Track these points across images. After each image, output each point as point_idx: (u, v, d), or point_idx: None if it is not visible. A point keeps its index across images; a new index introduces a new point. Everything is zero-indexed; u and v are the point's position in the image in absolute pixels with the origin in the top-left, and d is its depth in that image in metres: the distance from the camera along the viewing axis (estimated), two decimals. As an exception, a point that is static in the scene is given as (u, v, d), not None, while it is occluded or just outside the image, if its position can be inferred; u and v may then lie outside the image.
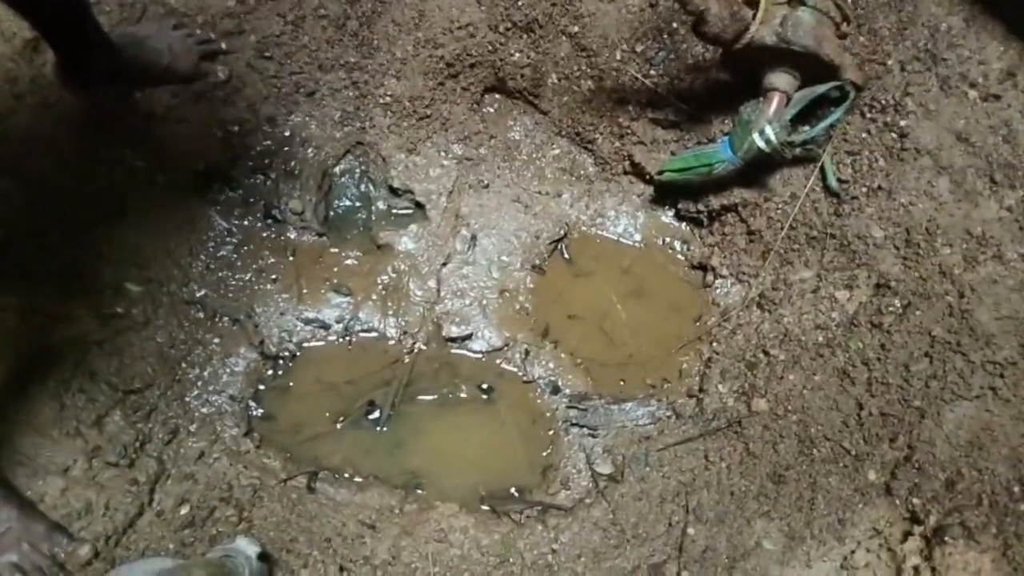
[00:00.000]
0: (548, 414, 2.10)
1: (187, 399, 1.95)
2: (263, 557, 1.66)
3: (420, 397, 2.09)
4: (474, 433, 2.07)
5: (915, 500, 1.76)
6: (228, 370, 2.00)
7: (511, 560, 1.86)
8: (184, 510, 1.81)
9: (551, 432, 2.08)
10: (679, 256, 2.32)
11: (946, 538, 1.67)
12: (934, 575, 1.66)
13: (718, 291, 2.24)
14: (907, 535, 1.75)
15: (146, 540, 1.76)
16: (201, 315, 2.03)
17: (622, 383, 2.15)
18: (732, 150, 1.99)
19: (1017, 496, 1.66)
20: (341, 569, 1.79)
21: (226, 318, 2.05)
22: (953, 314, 1.89)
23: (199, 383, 1.97)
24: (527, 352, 2.16)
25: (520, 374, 2.13)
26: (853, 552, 1.76)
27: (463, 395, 2.11)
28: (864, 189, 2.06)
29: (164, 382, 1.94)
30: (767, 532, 1.83)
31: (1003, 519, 1.67)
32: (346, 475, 1.98)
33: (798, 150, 2.02)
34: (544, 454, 2.06)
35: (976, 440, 1.76)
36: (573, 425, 2.08)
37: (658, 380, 2.15)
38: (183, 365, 1.97)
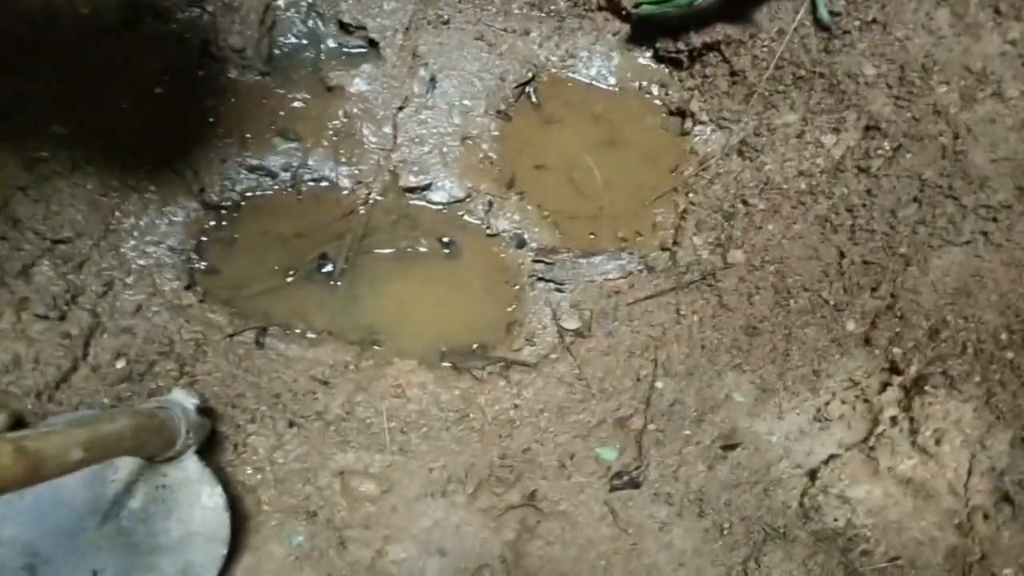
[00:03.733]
0: (513, 269, 1.98)
1: (122, 250, 1.81)
2: (203, 411, 1.57)
3: (377, 251, 1.96)
4: (434, 288, 1.96)
5: (895, 350, 1.67)
6: (166, 220, 1.86)
7: (471, 415, 1.78)
8: (121, 364, 1.70)
9: (516, 287, 1.97)
10: (656, 101, 2.15)
11: (927, 387, 1.59)
12: (912, 425, 1.59)
13: (697, 139, 2.09)
14: (885, 386, 1.67)
15: (80, 395, 1.66)
16: (135, 161, 1.86)
17: (592, 236, 2.03)
18: (715, -25, 1.80)
19: (1004, 343, 1.58)
20: (291, 424, 1.70)
21: (162, 165, 1.88)
22: (946, 156, 1.77)
23: (135, 233, 1.83)
24: (491, 204, 2.02)
25: (483, 227, 2.00)
26: (828, 403, 1.69)
27: (423, 249, 1.98)
28: (857, 23, 1.89)
29: (96, 231, 1.79)
30: (738, 385, 1.75)
31: (988, 367, 1.58)
32: (297, 331, 1.87)
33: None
34: (508, 310, 1.96)
35: (964, 287, 1.66)
36: (539, 280, 1.97)
37: (630, 233, 2.03)
38: (116, 214, 1.82)
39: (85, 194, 1.81)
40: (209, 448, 1.61)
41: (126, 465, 1.51)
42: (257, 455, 1.66)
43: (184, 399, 1.51)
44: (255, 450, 1.66)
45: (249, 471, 1.65)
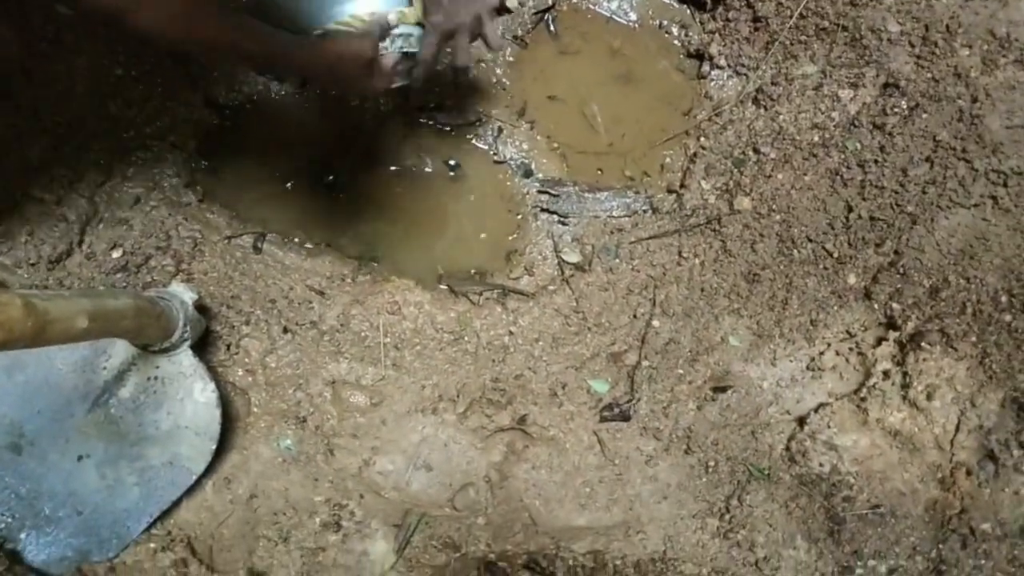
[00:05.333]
0: (517, 197, 1.96)
1: (123, 139, 1.76)
2: (200, 308, 1.55)
3: (381, 167, 1.93)
4: (437, 210, 1.94)
5: (895, 305, 1.68)
6: (170, 114, 1.81)
7: (466, 338, 1.77)
8: (116, 254, 1.67)
9: (519, 216, 1.95)
10: (675, 42, 2.12)
11: (923, 344, 1.60)
12: (904, 379, 1.61)
13: (713, 83, 2.06)
14: (881, 340, 1.68)
15: (75, 280, 1.63)
16: (140, 52, 1.80)
17: (599, 172, 2.01)
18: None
19: (1003, 306, 1.59)
20: (285, 330, 1.69)
21: (167, 59, 1.83)
22: (962, 119, 1.76)
23: (136, 123, 1.78)
24: (500, 130, 1.99)
25: (491, 153, 1.98)
26: (822, 353, 1.70)
27: (428, 169, 1.96)
28: (887, -25, 1.86)
29: (95, 119, 1.74)
30: (735, 329, 1.76)
31: (985, 328, 1.60)
32: (296, 239, 1.85)
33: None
34: (510, 238, 1.94)
35: (968, 249, 1.67)
36: (543, 211, 1.95)
37: (638, 172, 2.01)
38: (119, 102, 1.77)
39: (87, 81, 1.75)
40: (202, 346, 1.60)
41: (119, 353, 1.49)
42: (250, 357, 1.65)
43: (182, 293, 1.49)
44: (248, 352, 1.65)
45: (241, 372, 1.64)
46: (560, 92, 2.06)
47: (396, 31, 1.38)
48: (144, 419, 1.48)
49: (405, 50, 1.40)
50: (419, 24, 1.42)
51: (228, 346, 1.64)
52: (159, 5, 1.19)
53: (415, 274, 1.87)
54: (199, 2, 1.22)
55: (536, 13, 2.07)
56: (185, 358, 1.49)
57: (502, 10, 1.44)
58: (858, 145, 1.83)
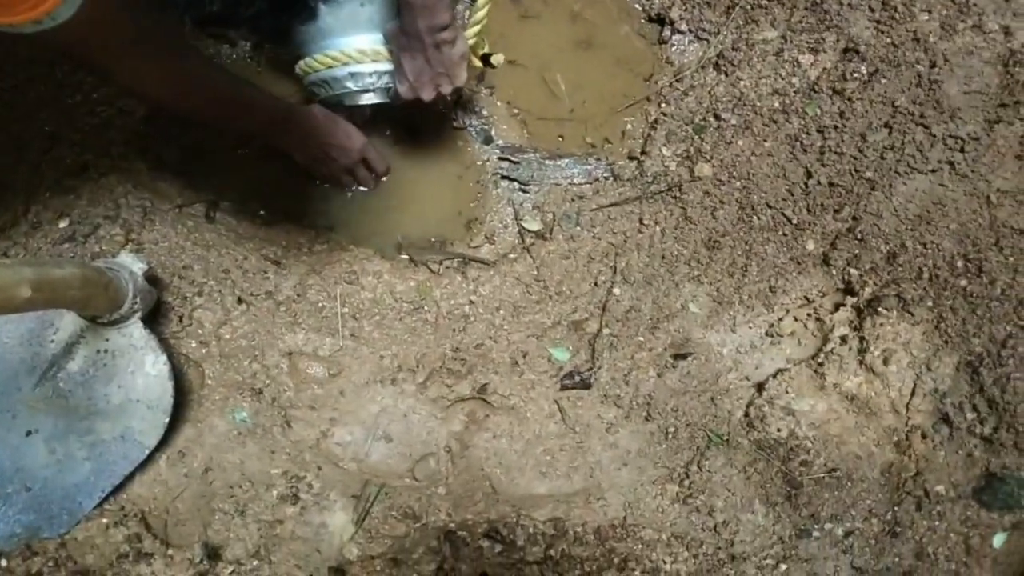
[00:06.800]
0: (477, 164, 1.94)
1: (69, 104, 1.70)
2: (150, 279, 1.51)
3: (338, 133, 1.89)
4: (394, 177, 1.90)
5: (852, 271, 1.69)
6: (117, 79, 1.75)
7: (426, 308, 1.75)
8: (63, 224, 1.62)
9: (479, 184, 1.93)
10: (636, 6, 2.09)
11: (880, 309, 1.61)
12: (862, 344, 1.62)
13: (674, 48, 2.04)
14: (838, 306, 1.69)
15: (20, 250, 1.58)
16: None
17: (560, 139, 1.99)
18: None
19: (959, 271, 1.60)
20: (240, 300, 1.65)
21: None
22: (921, 84, 1.76)
23: (83, 88, 1.72)
24: (459, 95, 1.95)
25: (451, 119, 1.94)
26: (781, 319, 1.70)
27: (386, 134, 1.92)
28: (845, -60, 1.85)
29: (41, 83, 1.68)
30: (695, 296, 1.76)
31: (941, 293, 1.61)
32: (250, 208, 1.81)
33: None
34: (470, 206, 1.92)
35: (925, 214, 1.67)
36: (503, 178, 1.93)
37: (599, 139, 1.99)
38: (64, 67, 1.70)
39: (29, 44, 1.68)
40: (153, 318, 1.56)
41: (66, 326, 1.45)
42: (203, 329, 1.61)
43: (132, 263, 1.44)
44: (201, 323, 1.61)
45: (194, 344, 1.60)
46: (520, 57, 2.02)
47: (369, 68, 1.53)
48: (94, 393, 1.45)
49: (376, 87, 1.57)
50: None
51: (180, 317, 1.60)
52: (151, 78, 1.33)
53: (374, 243, 1.84)
54: (196, 77, 1.29)
55: (495, -24, 2.03)
56: (135, 330, 1.45)
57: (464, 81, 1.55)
58: (818, 111, 1.83)
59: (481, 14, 1.55)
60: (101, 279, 1.32)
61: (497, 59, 1.65)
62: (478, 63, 1.68)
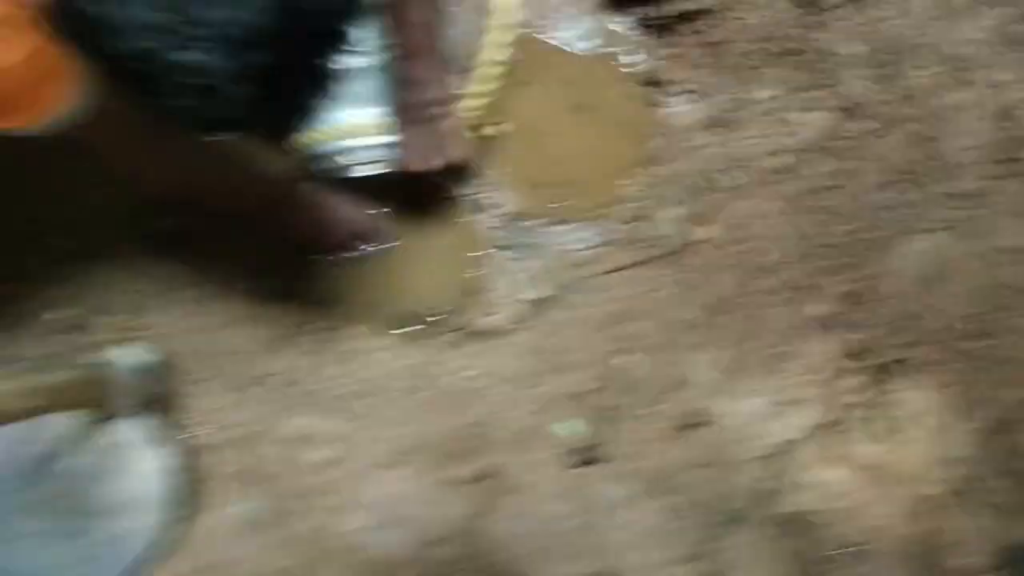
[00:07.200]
0: (474, 234, 1.91)
1: (58, 186, 1.68)
2: (150, 368, 1.47)
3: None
4: (390, 250, 1.87)
5: (859, 336, 1.67)
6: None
7: (423, 386, 1.72)
8: (51, 316, 1.59)
9: (476, 253, 1.90)
10: (629, 69, 2.09)
11: (890, 375, 1.59)
12: (872, 412, 1.59)
13: (669, 110, 2.04)
14: (848, 372, 1.66)
15: (6, 349, 1.54)
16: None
17: (557, 205, 1.96)
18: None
19: (971, 333, 1.58)
20: (236, 387, 1.63)
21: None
22: (917, 143, 1.76)
23: (74, 170, 1.69)
24: (457, 166, 1.93)
25: (446, 188, 1.92)
26: (789, 387, 1.67)
27: (382, 206, 1.89)
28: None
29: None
30: (701, 364, 1.73)
31: (952, 357, 1.59)
32: (245, 288, 1.77)
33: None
34: (466, 276, 1.88)
35: (930, 275, 1.66)
36: (501, 247, 1.90)
37: (597, 203, 1.97)
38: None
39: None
40: (150, 409, 1.52)
41: (58, 424, 1.41)
42: (199, 418, 1.57)
43: (128, 355, 1.41)
44: (197, 412, 1.57)
45: (190, 434, 1.56)
46: (515, 123, 2.01)
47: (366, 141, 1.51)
48: (87, 493, 1.40)
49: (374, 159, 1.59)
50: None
51: (177, 407, 1.56)
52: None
53: (369, 319, 1.81)
54: (185, 163, 1.31)
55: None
56: (132, 426, 1.41)
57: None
58: (815, 171, 1.82)
59: (482, 87, 1.55)
60: (93, 378, 1.28)
61: (493, 129, 1.64)
62: (477, 134, 1.67)
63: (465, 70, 1.63)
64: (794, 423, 1.66)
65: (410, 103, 1.47)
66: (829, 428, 1.63)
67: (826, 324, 1.70)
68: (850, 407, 1.62)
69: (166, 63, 0.82)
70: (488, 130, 1.65)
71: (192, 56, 0.81)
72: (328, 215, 1.70)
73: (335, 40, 0.94)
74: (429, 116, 1.49)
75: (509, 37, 1.56)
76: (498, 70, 1.57)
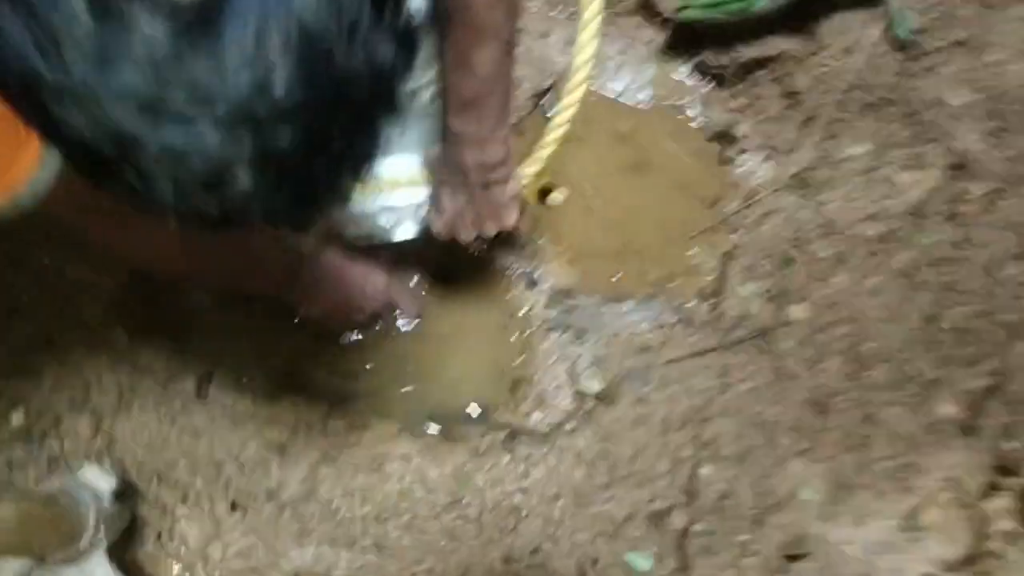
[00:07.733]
0: (521, 313, 1.64)
1: (31, 266, 1.42)
2: (121, 494, 1.18)
3: (355, 283, 1.60)
4: (424, 331, 1.62)
5: (1005, 444, 1.35)
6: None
7: (466, 499, 1.42)
8: (16, 417, 1.30)
9: (524, 336, 1.63)
10: (694, 123, 1.84)
11: (1056, 496, 1.27)
12: (1037, 544, 1.26)
13: (741, 168, 1.79)
14: (994, 488, 1.35)
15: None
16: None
17: (616, 278, 1.70)
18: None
19: None
20: (234, 506, 1.32)
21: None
22: (1054, 205, 1.47)
23: (48, 247, 1.44)
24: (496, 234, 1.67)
25: (490, 259, 1.66)
26: (920, 508, 1.35)
27: (413, 277, 1.63)
28: (942, 42, 1.59)
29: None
30: (806, 477, 1.41)
31: None
32: (250, 378, 1.50)
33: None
34: (514, 364, 1.61)
35: (1089, 367, 1.34)
36: (553, 329, 1.63)
37: (663, 276, 1.70)
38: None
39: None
40: (124, 540, 1.22)
41: (8, 568, 1.11)
42: (187, 547, 1.28)
43: (96, 480, 1.12)
44: (185, 540, 1.28)
45: (176, 569, 1.25)
46: (564, 186, 1.75)
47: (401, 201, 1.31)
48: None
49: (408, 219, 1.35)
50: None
51: (159, 534, 1.27)
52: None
53: (399, 416, 1.54)
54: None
55: (532, 96, 1.79)
56: (98, 567, 1.11)
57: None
58: (929, 240, 1.54)
59: (548, 151, 1.28)
60: (48, 513, 0.99)
61: (555, 198, 1.37)
62: (533, 202, 1.40)
63: (520, 126, 1.37)
64: (929, 554, 1.33)
65: (463, 163, 1.19)
66: (975, 561, 1.30)
67: (964, 428, 1.39)
68: (1001, 535, 1.30)
69: (154, 148, 0.53)
70: (550, 198, 1.39)
71: (192, 138, 0.53)
72: (352, 287, 1.42)
73: (384, 107, 0.65)
74: (484, 181, 1.22)
75: (579, 94, 1.30)
76: (564, 130, 1.31)
